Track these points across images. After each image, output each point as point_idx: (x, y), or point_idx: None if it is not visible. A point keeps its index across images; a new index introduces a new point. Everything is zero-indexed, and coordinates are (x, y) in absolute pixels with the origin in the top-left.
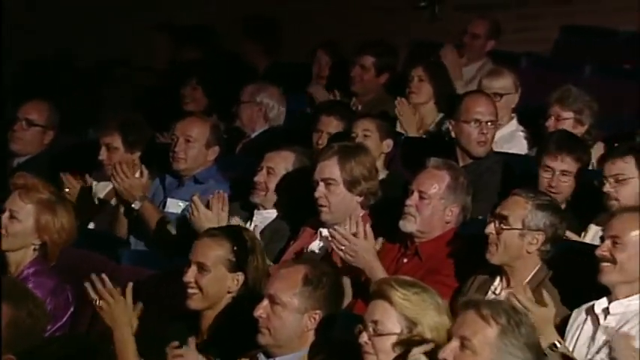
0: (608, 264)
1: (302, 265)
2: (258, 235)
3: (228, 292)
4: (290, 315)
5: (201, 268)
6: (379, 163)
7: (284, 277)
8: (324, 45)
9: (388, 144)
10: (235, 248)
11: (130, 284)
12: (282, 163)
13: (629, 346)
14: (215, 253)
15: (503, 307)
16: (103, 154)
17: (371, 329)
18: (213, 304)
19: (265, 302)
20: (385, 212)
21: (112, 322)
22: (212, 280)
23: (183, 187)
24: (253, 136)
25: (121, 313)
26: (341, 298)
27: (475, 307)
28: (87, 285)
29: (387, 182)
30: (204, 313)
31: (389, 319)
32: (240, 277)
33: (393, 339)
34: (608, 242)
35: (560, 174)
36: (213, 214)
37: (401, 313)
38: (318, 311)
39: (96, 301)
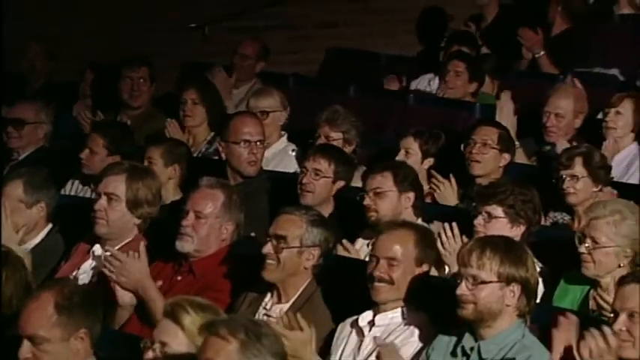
0: (384, 284)
1: (48, 292)
2: None
3: None
4: (56, 346)
5: None
6: (169, 187)
7: (35, 313)
8: (92, 64)
9: (175, 169)
10: None
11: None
12: None
13: (394, 356)
14: None
15: (240, 322)
16: None
17: (157, 350)
18: None
19: (26, 344)
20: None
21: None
22: None
23: None
24: (21, 157)
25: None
26: (99, 307)
27: (213, 329)
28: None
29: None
30: None
31: (177, 342)
32: None
33: None
34: (383, 263)
35: (312, 172)
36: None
37: (190, 338)
38: (82, 330)
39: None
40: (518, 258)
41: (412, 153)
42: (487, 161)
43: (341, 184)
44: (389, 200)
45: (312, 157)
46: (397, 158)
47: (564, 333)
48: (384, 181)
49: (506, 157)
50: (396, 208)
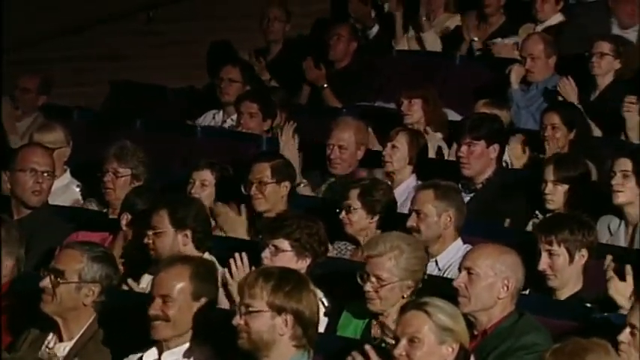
0: (160, 322)
1: None
2: None
3: None
4: None
5: None
6: None
7: None
8: None
9: None
10: None
11: None
12: None
13: None
14: None
15: None
16: None
17: None
18: None
19: None
20: None
21: None
22: None
23: None
24: None
25: None
26: None
27: None
28: None
29: None
30: None
31: None
32: None
33: None
34: (158, 301)
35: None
36: None
37: None
38: None
39: None
40: (292, 288)
41: (208, 185)
42: (268, 197)
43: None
44: (166, 239)
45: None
46: (193, 191)
47: None
48: (161, 220)
49: (287, 184)
50: (174, 246)
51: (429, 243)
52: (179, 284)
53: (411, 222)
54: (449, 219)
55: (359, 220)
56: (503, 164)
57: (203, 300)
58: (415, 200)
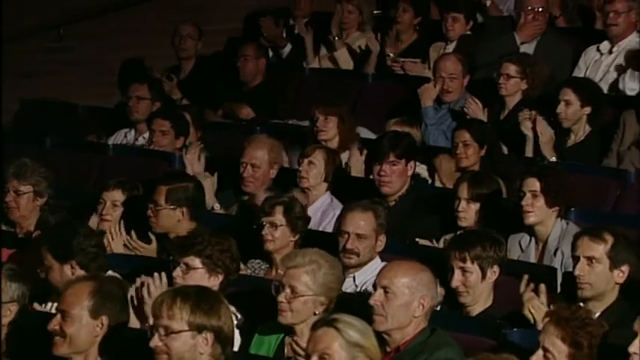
0: (58, 337)
1: None
2: None
3: None
4: None
5: None
6: None
7: None
8: None
9: None
10: None
11: None
12: None
13: None
14: None
15: None
16: None
17: None
18: None
19: None
20: None
21: None
22: None
23: None
24: None
25: None
26: None
27: None
28: None
29: None
30: None
31: None
32: None
33: None
34: (58, 317)
35: None
36: None
37: None
38: None
39: None
40: (209, 306)
41: (119, 205)
42: (160, 220)
43: None
44: (54, 273)
45: None
46: (104, 212)
47: None
48: (45, 256)
49: (184, 210)
50: (63, 277)
51: (361, 265)
52: (77, 301)
53: (351, 245)
54: (381, 242)
55: (282, 236)
56: (428, 181)
57: (104, 319)
58: (354, 222)
